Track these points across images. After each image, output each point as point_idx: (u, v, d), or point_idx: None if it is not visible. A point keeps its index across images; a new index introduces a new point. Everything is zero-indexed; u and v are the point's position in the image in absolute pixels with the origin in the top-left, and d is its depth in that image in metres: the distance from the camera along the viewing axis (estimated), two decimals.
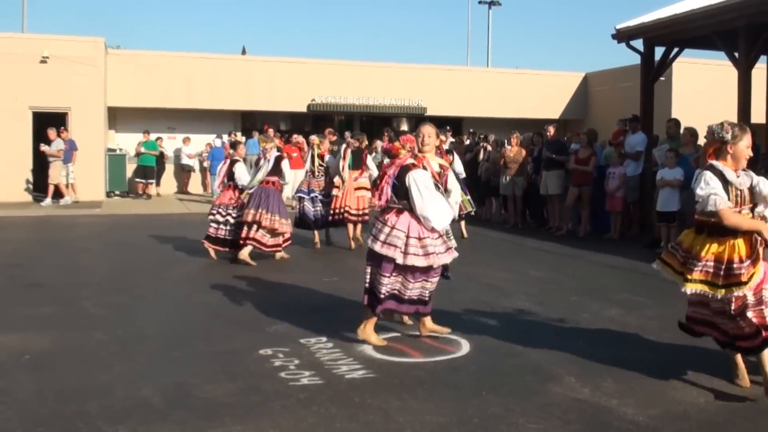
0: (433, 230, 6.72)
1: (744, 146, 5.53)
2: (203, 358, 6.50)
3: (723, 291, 5.34)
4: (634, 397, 5.49)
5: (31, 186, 22.73)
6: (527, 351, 6.72)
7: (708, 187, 5.44)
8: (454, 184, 7.18)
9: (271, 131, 22.25)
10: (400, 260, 6.61)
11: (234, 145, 13.05)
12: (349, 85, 27.01)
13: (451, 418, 5.07)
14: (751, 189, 5.55)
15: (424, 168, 6.84)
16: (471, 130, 22.78)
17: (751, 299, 5.32)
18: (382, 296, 6.71)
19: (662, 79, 18.02)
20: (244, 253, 11.45)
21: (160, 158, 25.21)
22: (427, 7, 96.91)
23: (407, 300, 6.83)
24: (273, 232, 11.54)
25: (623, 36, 16.42)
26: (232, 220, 11.85)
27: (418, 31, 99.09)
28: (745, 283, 5.27)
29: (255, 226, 11.39)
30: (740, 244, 5.39)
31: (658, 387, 5.74)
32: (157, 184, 25.35)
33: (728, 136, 5.50)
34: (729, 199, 5.43)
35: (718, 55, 17.15)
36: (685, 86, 24.34)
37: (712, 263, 5.43)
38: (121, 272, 11.11)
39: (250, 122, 27.37)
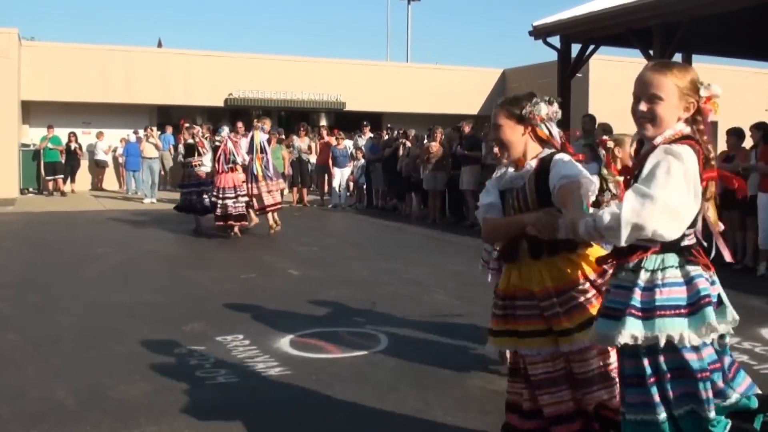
0: None
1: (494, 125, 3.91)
2: (118, 359, 6.38)
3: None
4: None
5: None
6: (446, 345, 6.77)
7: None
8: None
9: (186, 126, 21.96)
10: None
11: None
12: (267, 80, 26.85)
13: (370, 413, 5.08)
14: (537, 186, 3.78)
15: None
16: (389, 126, 22.85)
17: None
18: None
19: (579, 75, 18.33)
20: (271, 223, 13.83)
21: (74, 154, 24.55)
22: (346, 1, 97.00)
23: None
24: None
25: (540, 33, 16.63)
26: (242, 199, 13.55)
27: (338, 26, 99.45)
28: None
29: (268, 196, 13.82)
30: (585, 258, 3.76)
31: None
32: (72, 180, 24.72)
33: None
34: (504, 208, 3.88)
35: (633, 53, 17.50)
36: (601, 83, 24.80)
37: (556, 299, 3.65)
38: (35, 271, 10.86)
39: (166, 117, 26.95)
